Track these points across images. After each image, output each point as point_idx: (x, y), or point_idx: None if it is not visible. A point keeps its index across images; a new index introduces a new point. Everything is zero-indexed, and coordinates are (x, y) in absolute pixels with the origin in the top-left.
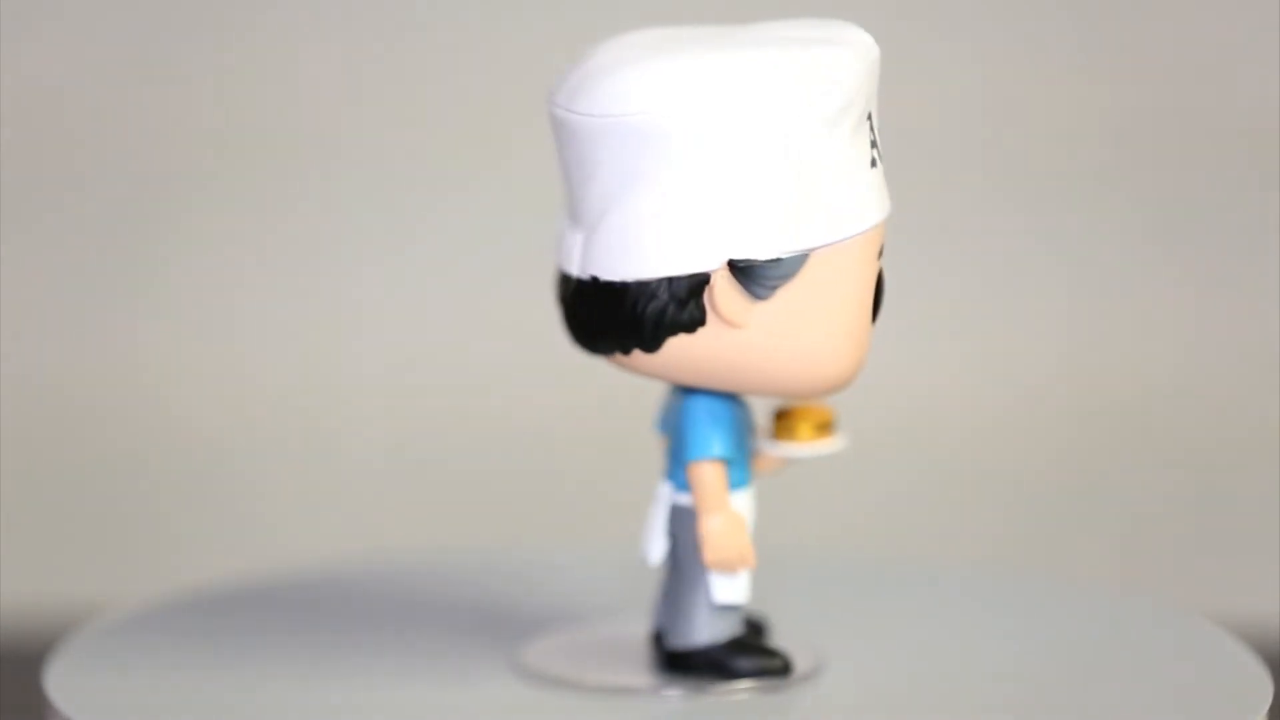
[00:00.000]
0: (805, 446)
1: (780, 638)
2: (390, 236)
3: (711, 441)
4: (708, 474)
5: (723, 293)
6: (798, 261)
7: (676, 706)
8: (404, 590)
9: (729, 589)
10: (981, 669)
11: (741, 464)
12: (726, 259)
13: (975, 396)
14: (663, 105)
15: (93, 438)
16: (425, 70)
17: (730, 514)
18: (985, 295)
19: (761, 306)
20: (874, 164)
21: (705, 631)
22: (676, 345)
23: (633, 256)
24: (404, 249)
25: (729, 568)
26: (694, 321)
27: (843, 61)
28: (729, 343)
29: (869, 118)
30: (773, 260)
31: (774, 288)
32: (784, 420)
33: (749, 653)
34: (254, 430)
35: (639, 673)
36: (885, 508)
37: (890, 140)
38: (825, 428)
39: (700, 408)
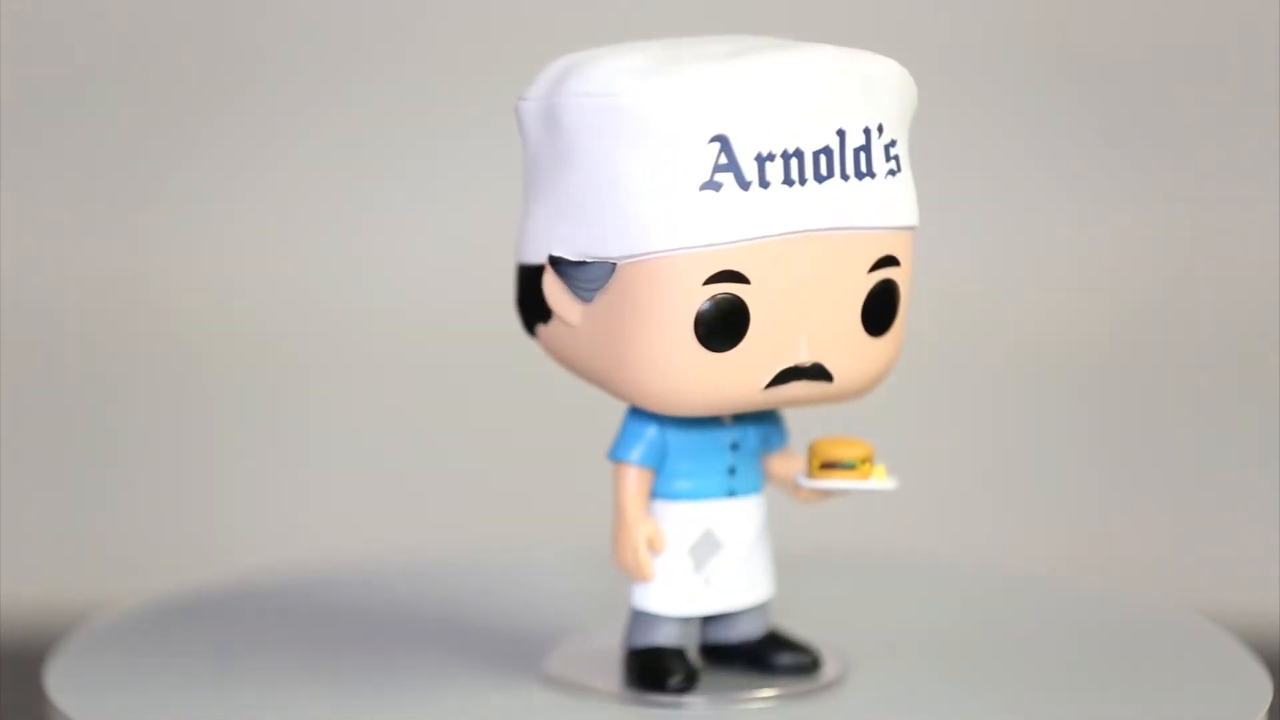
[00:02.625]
0: (811, 480)
1: (806, 638)
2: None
3: (627, 446)
4: (619, 477)
5: (550, 287)
6: (603, 269)
7: (695, 714)
8: (416, 591)
9: (641, 595)
10: (981, 668)
11: (700, 475)
12: (548, 254)
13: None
14: (529, 97)
15: (92, 437)
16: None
17: (633, 521)
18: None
19: (588, 309)
20: (715, 188)
21: (632, 636)
22: (542, 334)
23: (515, 242)
24: (417, 220)
25: (627, 573)
26: (545, 312)
27: (695, 80)
28: (569, 339)
29: (719, 139)
30: (579, 262)
31: (592, 291)
32: (809, 450)
33: (655, 667)
34: (253, 431)
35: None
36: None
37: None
38: (834, 467)
39: (633, 412)
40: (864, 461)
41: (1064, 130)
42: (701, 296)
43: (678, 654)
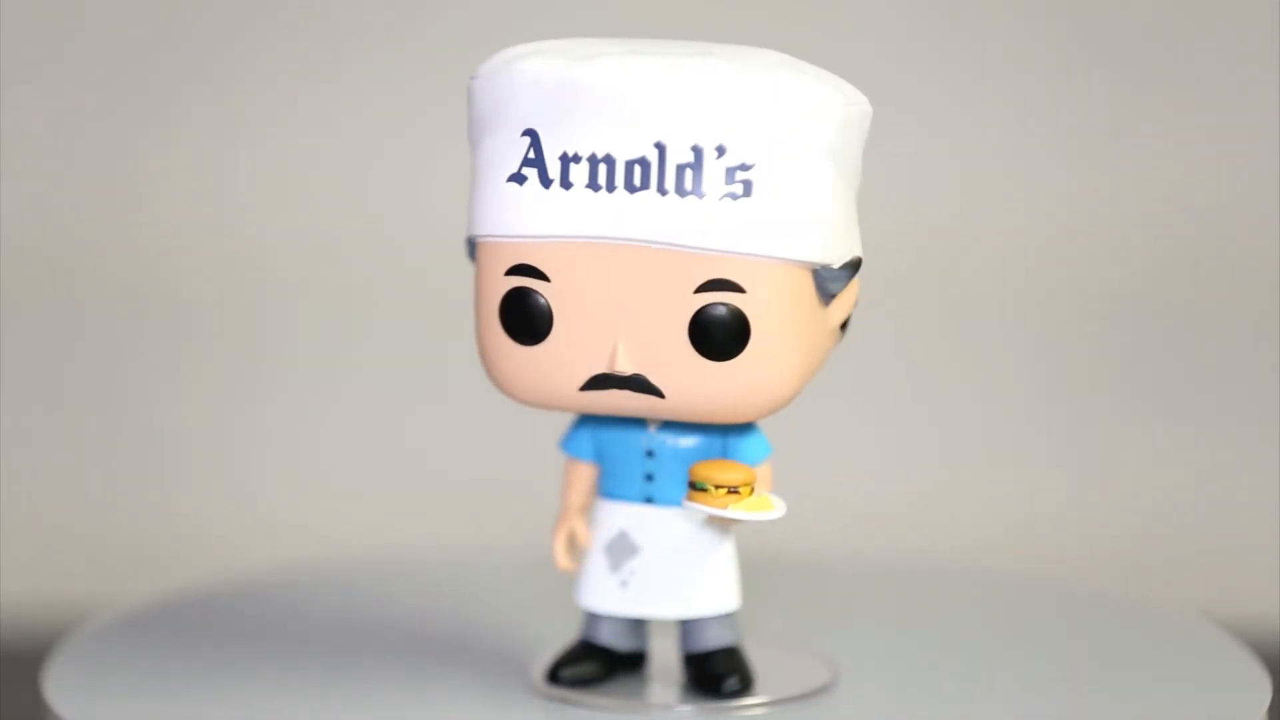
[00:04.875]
0: (684, 500)
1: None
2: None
3: (566, 437)
4: (565, 466)
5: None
6: (473, 249)
7: None
8: (414, 593)
9: (574, 588)
10: (980, 670)
11: (618, 477)
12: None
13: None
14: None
15: (90, 436)
16: None
17: (561, 511)
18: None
19: None
20: (520, 181)
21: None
22: None
23: None
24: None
25: None
26: None
27: (518, 74)
28: None
29: (530, 133)
30: (469, 239)
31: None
32: None
33: (560, 659)
34: (254, 432)
35: (653, 689)
36: (863, 494)
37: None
38: (695, 489)
39: None
40: (719, 487)
41: (1054, 68)
42: (504, 286)
43: (594, 649)
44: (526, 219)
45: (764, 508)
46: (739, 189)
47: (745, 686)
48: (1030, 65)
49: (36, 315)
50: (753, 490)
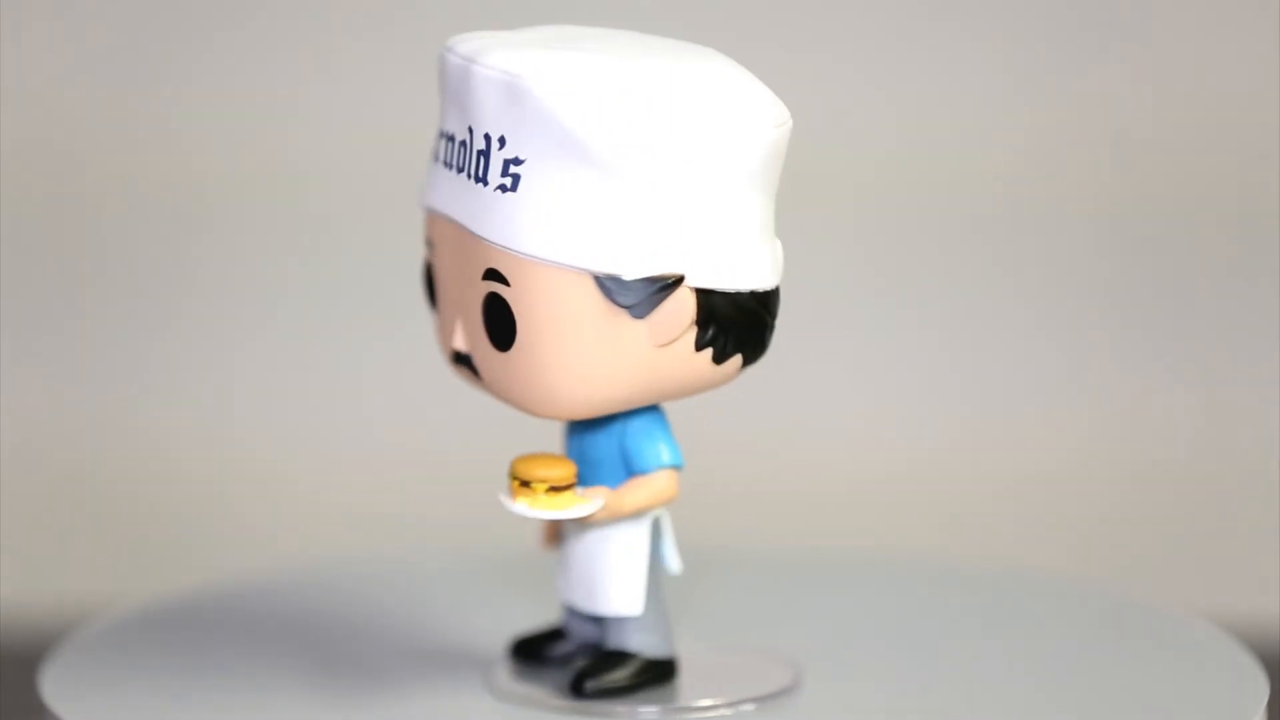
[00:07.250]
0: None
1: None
2: None
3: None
4: None
5: None
6: None
7: None
8: (410, 591)
9: None
10: (978, 669)
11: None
12: None
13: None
14: None
15: (90, 437)
16: None
17: None
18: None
19: None
20: (436, 158)
21: None
22: None
23: None
24: None
25: None
26: None
27: (441, 63)
28: None
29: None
30: None
31: None
32: None
33: (528, 637)
34: (252, 434)
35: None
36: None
37: None
38: (515, 479)
39: None
40: (514, 478)
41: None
42: (426, 257)
43: (553, 633)
44: (425, 189)
45: (555, 506)
46: (509, 182)
47: (606, 693)
48: None
49: (35, 313)
50: (560, 489)
